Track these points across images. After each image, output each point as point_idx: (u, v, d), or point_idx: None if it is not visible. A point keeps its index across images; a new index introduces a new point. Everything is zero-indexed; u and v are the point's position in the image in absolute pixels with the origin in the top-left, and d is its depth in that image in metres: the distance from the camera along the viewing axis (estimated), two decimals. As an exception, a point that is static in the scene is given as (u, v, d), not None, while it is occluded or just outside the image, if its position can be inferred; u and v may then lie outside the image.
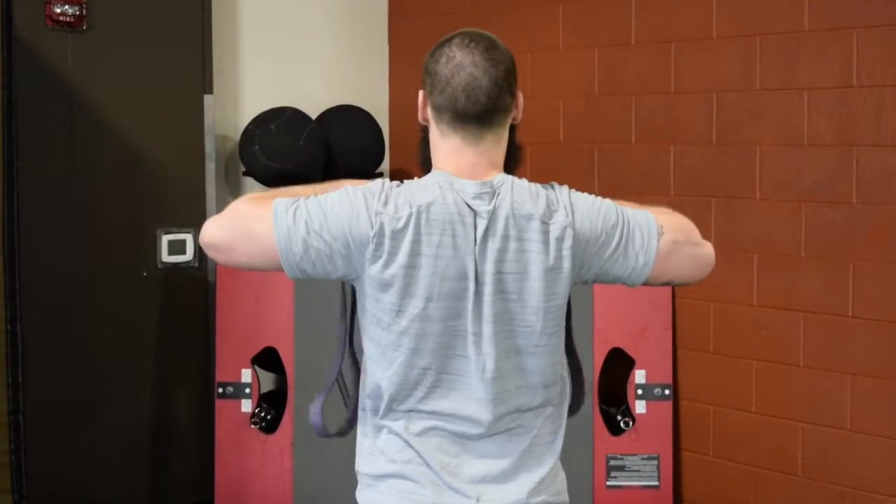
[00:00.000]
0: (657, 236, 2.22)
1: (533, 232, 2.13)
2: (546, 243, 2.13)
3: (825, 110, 4.05)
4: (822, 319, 4.10)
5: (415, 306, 2.12)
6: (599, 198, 2.24)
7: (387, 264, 2.10)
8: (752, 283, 4.29)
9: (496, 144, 2.21)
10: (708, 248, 2.31)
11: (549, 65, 4.86)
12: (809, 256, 4.12)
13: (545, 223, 2.14)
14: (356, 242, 2.11)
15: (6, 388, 3.79)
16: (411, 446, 2.19)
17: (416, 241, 2.10)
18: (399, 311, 2.12)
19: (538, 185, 2.19)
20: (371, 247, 2.10)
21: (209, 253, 2.22)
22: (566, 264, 2.15)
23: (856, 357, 4.02)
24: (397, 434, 2.20)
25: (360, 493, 2.27)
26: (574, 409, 2.38)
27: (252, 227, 2.15)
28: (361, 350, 2.27)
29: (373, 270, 2.12)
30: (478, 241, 2.12)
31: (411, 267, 2.10)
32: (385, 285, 2.12)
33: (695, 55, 4.41)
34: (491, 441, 2.20)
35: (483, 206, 2.13)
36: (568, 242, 2.14)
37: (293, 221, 2.12)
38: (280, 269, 2.16)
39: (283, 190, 2.23)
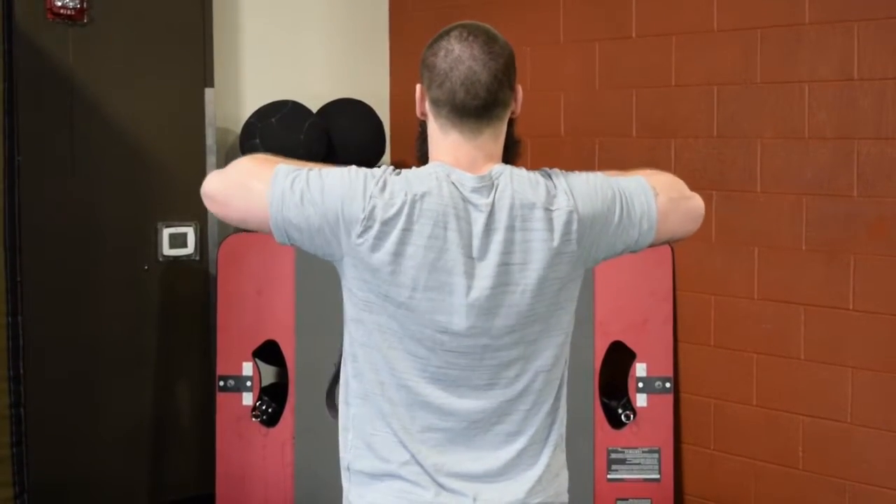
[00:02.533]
0: (654, 197, 2.23)
1: (537, 220, 2.11)
2: (551, 230, 2.11)
3: (826, 103, 4.05)
4: (822, 312, 4.10)
5: (399, 294, 2.10)
6: (591, 174, 2.23)
7: (374, 248, 2.09)
8: (753, 276, 4.29)
9: (494, 139, 2.19)
10: (698, 200, 2.35)
11: (550, 58, 4.86)
12: (810, 249, 4.12)
13: (548, 210, 2.12)
14: (345, 220, 2.09)
15: (7, 381, 3.79)
16: (405, 447, 2.16)
17: (407, 230, 2.08)
18: (386, 296, 2.11)
19: (535, 173, 2.18)
20: (359, 228, 2.08)
21: (206, 203, 2.27)
22: (572, 248, 2.13)
23: (856, 350, 4.03)
24: (389, 433, 2.17)
25: (355, 490, 2.24)
26: None
27: (250, 184, 2.17)
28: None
29: (360, 252, 2.10)
30: (477, 234, 2.10)
31: (398, 255, 2.08)
32: (373, 268, 2.10)
33: (695, 48, 4.41)
34: (487, 439, 2.18)
35: (482, 200, 2.11)
36: (574, 227, 2.13)
37: (290, 186, 2.12)
38: (270, 231, 2.17)
39: (290, 161, 2.24)
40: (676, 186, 2.32)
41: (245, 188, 2.18)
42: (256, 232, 2.23)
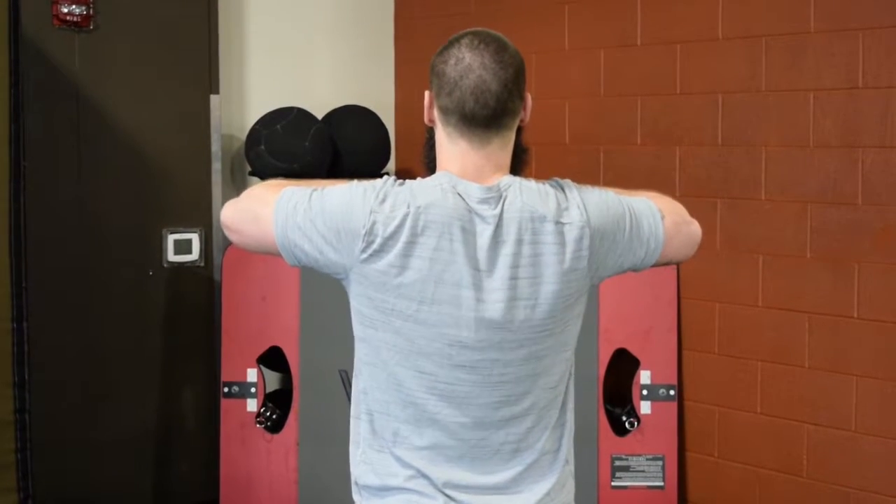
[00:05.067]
0: (661, 219, 2.23)
1: (547, 234, 2.09)
2: (562, 244, 2.10)
3: (831, 111, 4.05)
4: (827, 320, 4.11)
5: (406, 308, 2.07)
6: (602, 190, 2.23)
7: (377, 263, 2.07)
8: (758, 283, 4.29)
9: (502, 148, 2.18)
10: (697, 226, 2.35)
11: (555, 66, 4.87)
12: (815, 257, 4.13)
13: (559, 223, 2.10)
14: (347, 237, 2.08)
15: (12, 387, 3.79)
16: (412, 463, 2.15)
17: (411, 243, 2.06)
18: (392, 310, 2.09)
19: (545, 185, 2.16)
20: (361, 244, 2.07)
21: (225, 233, 2.27)
22: (583, 264, 2.12)
23: (861, 358, 4.02)
24: (394, 451, 2.16)
25: None
26: None
27: (258, 211, 2.17)
28: None
29: (364, 269, 2.08)
30: (483, 247, 2.08)
31: (403, 268, 2.06)
32: (378, 283, 2.08)
33: (700, 56, 4.41)
34: (496, 456, 2.16)
35: (489, 211, 2.09)
36: (586, 242, 2.11)
37: (293, 209, 2.12)
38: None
39: (303, 182, 2.24)
40: (679, 211, 2.32)
41: (254, 215, 2.18)
42: (276, 256, 2.22)
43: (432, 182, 2.13)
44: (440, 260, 2.07)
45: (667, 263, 2.33)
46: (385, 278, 2.07)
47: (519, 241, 2.09)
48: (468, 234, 2.08)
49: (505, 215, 2.09)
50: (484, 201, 2.10)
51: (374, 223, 2.06)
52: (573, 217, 2.11)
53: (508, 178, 2.15)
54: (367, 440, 2.20)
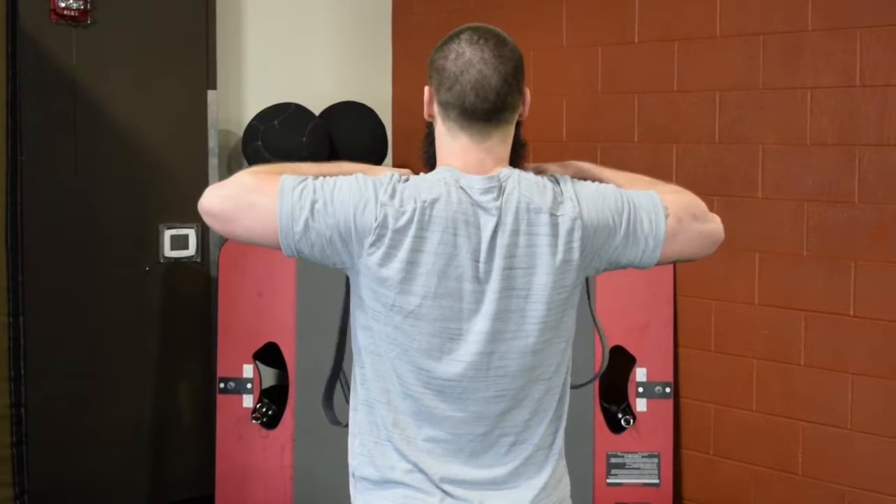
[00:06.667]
0: (664, 217, 2.20)
1: (542, 226, 2.10)
2: (555, 236, 2.10)
3: (828, 109, 4.05)
4: (823, 318, 4.11)
5: (409, 303, 2.08)
6: (602, 184, 2.22)
7: (386, 257, 2.07)
8: (754, 281, 4.29)
9: (503, 142, 2.18)
10: (714, 224, 2.31)
11: (553, 63, 4.87)
12: (811, 255, 4.13)
13: (554, 216, 2.10)
14: (358, 230, 2.07)
15: (8, 381, 3.79)
16: (409, 455, 2.15)
17: (419, 238, 2.06)
18: (393, 306, 2.09)
19: (543, 177, 2.17)
20: (371, 237, 2.07)
21: (206, 220, 2.17)
22: (575, 256, 2.12)
23: (857, 356, 4.03)
24: (393, 442, 2.16)
25: (360, 497, 2.23)
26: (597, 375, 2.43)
27: (255, 201, 2.11)
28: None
29: (370, 262, 2.08)
30: (486, 238, 2.09)
31: (411, 263, 2.07)
32: (382, 278, 2.08)
33: (698, 54, 4.41)
34: (492, 449, 2.17)
35: (492, 202, 2.10)
36: (577, 234, 2.11)
37: (299, 199, 2.08)
38: (278, 247, 2.12)
39: (288, 166, 2.20)
40: (691, 207, 2.28)
41: (249, 205, 2.11)
42: (260, 246, 2.17)
43: (436, 177, 2.13)
44: (444, 254, 2.08)
45: (677, 261, 2.31)
46: (391, 272, 2.08)
47: (515, 232, 2.10)
48: (472, 227, 2.09)
49: (504, 206, 2.10)
50: (486, 191, 2.11)
51: (385, 216, 2.07)
52: (566, 209, 2.12)
53: (508, 170, 2.16)
54: (365, 431, 2.20)
